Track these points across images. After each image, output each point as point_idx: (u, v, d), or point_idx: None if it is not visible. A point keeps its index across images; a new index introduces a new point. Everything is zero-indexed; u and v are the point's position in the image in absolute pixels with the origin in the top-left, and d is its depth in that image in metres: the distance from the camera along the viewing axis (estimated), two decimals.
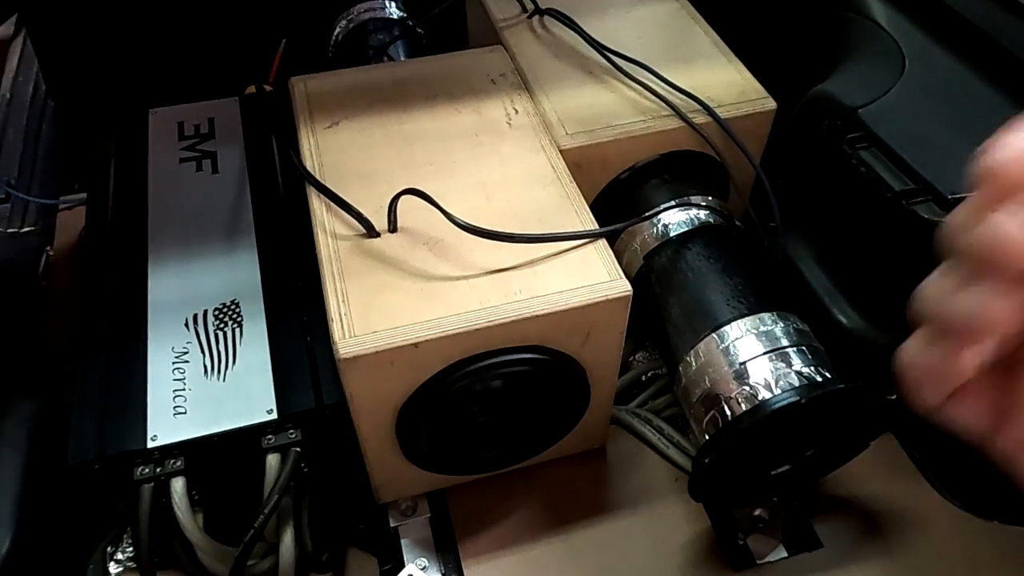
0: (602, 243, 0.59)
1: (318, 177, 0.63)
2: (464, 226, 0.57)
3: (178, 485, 0.57)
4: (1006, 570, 0.64)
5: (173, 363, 0.61)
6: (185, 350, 0.62)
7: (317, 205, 0.62)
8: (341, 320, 0.53)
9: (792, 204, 0.69)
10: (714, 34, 0.78)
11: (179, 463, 0.57)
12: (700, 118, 0.68)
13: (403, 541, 0.65)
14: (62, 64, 0.97)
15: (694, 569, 0.64)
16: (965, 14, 0.70)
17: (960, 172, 0.57)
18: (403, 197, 0.59)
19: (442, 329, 0.52)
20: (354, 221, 0.59)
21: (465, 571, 0.63)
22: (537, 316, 0.54)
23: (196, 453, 0.58)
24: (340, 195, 0.60)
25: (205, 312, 0.64)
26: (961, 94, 0.66)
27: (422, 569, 0.63)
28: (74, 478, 0.57)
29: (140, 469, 0.57)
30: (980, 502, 0.67)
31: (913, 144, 0.61)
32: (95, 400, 0.59)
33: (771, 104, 0.70)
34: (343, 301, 0.54)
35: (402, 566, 0.63)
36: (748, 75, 0.73)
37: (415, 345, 0.52)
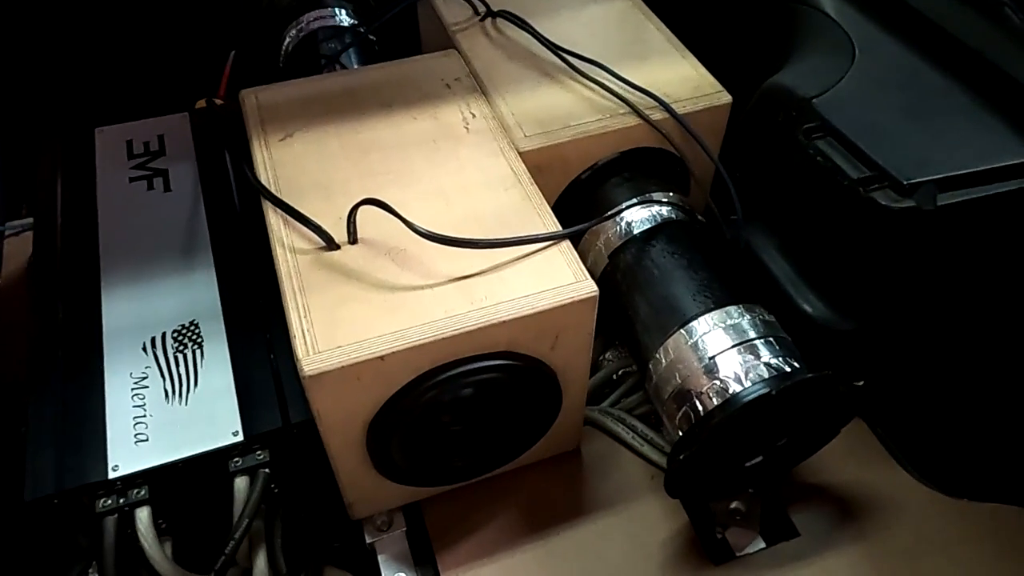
0: (566, 244, 0.58)
1: (274, 191, 0.61)
2: (425, 234, 0.56)
3: (143, 515, 0.55)
4: (977, 546, 0.65)
5: (132, 389, 0.59)
6: (144, 375, 0.60)
7: (274, 220, 0.60)
8: (304, 336, 0.52)
9: (752, 196, 0.70)
10: (667, 30, 0.78)
11: (143, 492, 0.56)
12: (657, 114, 0.69)
13: (380, 557, 0.64)
14: (0, 83, 0.94)
15: (674, 566, 0.64)
16: (911, 2, 0.71)
17: (914, 158, 0.59)
18: (362, 207, 0.58)
19: (408, 340, 0.52)
20: (313, 234, 0.58)
21: None
22: (504, 321, 0.53)
23: (161, 481, 0.56)
24: (297, 208, 0.59)
25: (163, 335, 0.62)
26: (911, 81, 0.67)
27: None
28: (32, 515, 0.54)
29: (102, 501, 0.55)
30: (950, 481, 0.68)
31: (867, 132, 0.62)
32: (51, 432, 0.57)
33: (727, 98, 0.71)
34: (305, 317, 0.53)
35: None
36: (703, 70, 0.73)
37: (381, 358, 0.51)
